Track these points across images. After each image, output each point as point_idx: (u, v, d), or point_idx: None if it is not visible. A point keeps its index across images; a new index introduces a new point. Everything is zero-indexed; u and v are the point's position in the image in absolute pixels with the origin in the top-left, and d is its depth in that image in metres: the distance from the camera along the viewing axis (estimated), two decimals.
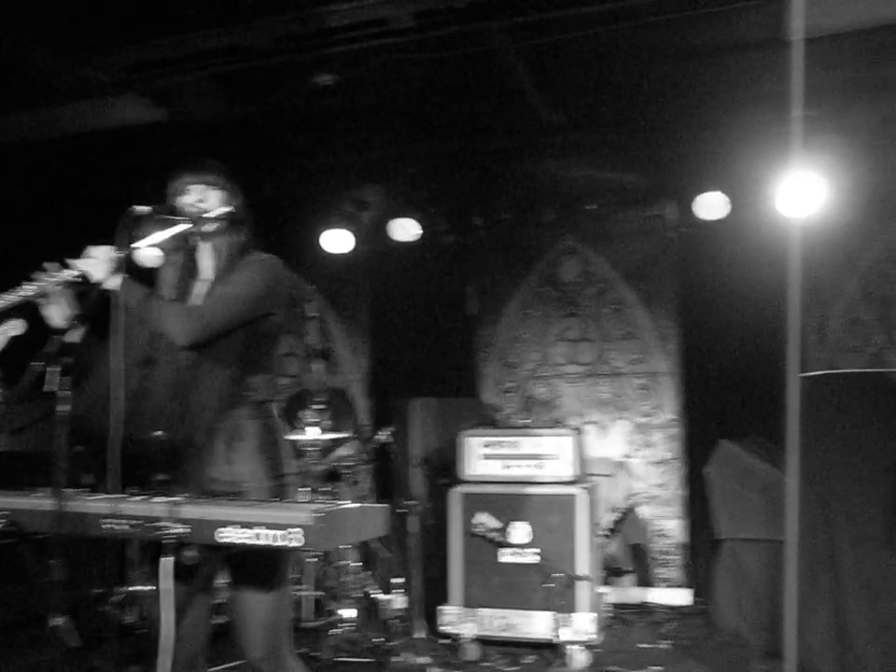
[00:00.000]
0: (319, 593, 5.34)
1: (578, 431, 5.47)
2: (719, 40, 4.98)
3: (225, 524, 2.28)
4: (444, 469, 5.98)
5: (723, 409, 6.54)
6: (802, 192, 5.75)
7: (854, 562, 4.41)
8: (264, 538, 2.23)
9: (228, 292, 2.81)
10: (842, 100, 5.47)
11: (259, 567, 2.73)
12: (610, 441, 6.75)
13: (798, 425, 4.48)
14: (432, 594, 5.73)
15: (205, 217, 2.86)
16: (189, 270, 2.95)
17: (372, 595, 5.66)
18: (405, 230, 6.67)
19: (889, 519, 4.35)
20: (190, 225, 2.84)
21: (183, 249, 2.94)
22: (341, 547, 5.40)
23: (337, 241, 6.78)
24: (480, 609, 5.25)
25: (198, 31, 4.35)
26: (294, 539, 2.20)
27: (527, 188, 6.53)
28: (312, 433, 5.46)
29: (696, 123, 5.83)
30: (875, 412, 4.49)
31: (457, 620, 5.28)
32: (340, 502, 2.52)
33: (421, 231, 6.67)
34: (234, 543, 2.27)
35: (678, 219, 6.59)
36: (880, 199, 6.17)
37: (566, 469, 5.31)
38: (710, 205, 6.17)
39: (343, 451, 6.19)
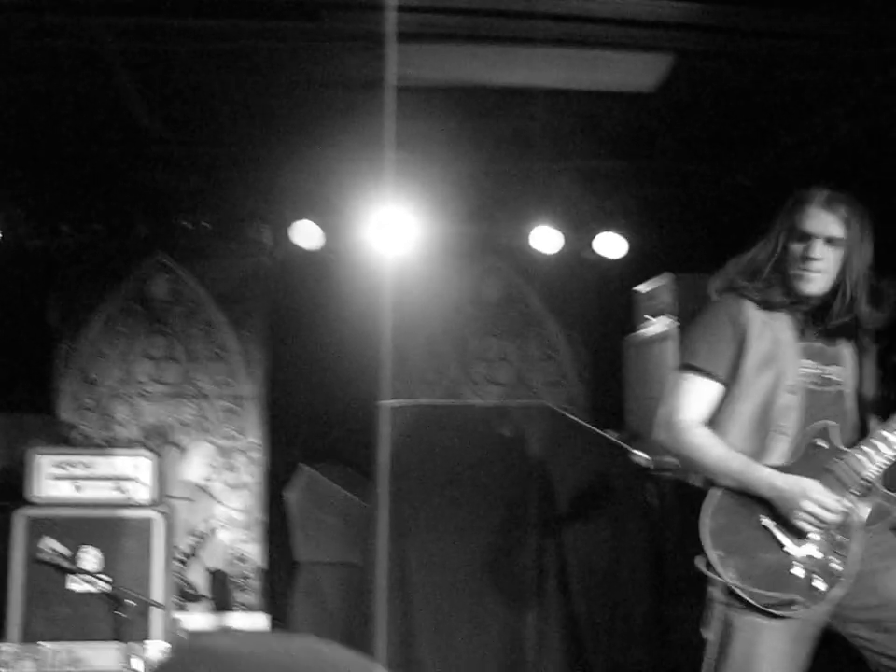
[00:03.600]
0: None
1: (158, 453, 5.34)
2: (325, 75, 5.09)
3: None
4: (10, 489, 5.55)
5: (307, 435, 6.66)
6: (393, 229, 6.03)
7: (419, 581, 4.65)
8: None
9: None
10: (435, 148, 5.81)
11: None
12: (191, 463, 6.61)
13: (381, 451, 4.68)
14: None
15: None
16: None
17: None
18: None
19: (457, 544, 4.65)
20: None
21: None
22: None
23: None
24: (42, 644, 4.90)
25: None
26: None
27: (122, 198, 6.26)
28: None
29: (299, 151, 5.92)
30: (450, 441, 4.78)
31: (14, 658, 4.88)
32: None
33: (1, 234, 6.14)
34: None
35: (273, 245, 6.64)
36: (462, 244, 6.63)
37: (143, 492, 5.15)
38: (306, 234, 6.28)
39: None
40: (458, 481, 4.70)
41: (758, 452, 2.63)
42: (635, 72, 4.68)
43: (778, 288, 2.68)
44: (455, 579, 4.60)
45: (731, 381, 2.70)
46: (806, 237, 2.64)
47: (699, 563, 2.58)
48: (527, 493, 4.65)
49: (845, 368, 2.74)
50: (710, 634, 2.60)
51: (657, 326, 5.97)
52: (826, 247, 2.63)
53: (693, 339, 2.78)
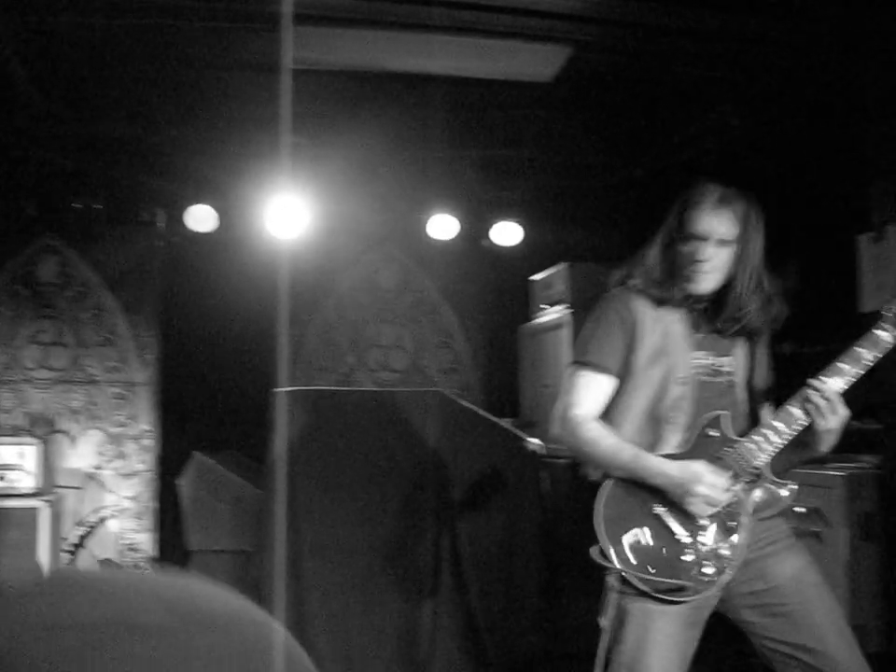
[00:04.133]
0: None
1: (43, 440, 5.21)
2: (222, 56, 5.00)
3: None
4: None
5: (200, 421, 6.56)
6: (289, 215, 5.97)
7: (313, 568, 4.64)
8: None
9: None
10: (330, 132, 5.76)
11: None
12: (81, 451, 6.45)
13: (274, 438, 4.65)
14: None
15: None
16: None
17: None
18: None
19: (352, 531, 4.64)
20: None
21: None
22: None
23: None
24: None
25: None
26: None
27: (9, 177, 6.04)
28: None
29: (194, 133, 5.81)
30: (344, 427, 4.78)
31: None
32: None
33: None
34: None
35: (167, 228, 6.51)
36: (358, 230, 6.62)
37: (28, 481, 5.03)
38: (200, 217, 6.18)
39: None
40: (353, 468, 4.69)
41: (651, 443, 2.68)
42: (532, 62, 4.72)
43: (670, 286, 2.72)
44: (350, 566, 4.61)
45: (623, 374, 2.74)
46: (697, 239, 2.65)
47: (593, 552, 2.62)
48: (422, 479, 4.67)
49: (736, 358, 2.81)
50: (605, 621, 2.65)
51: (552, 314, 6.06)
52: (716, 248, 2.65)
53: (585, 335, 2.81)
